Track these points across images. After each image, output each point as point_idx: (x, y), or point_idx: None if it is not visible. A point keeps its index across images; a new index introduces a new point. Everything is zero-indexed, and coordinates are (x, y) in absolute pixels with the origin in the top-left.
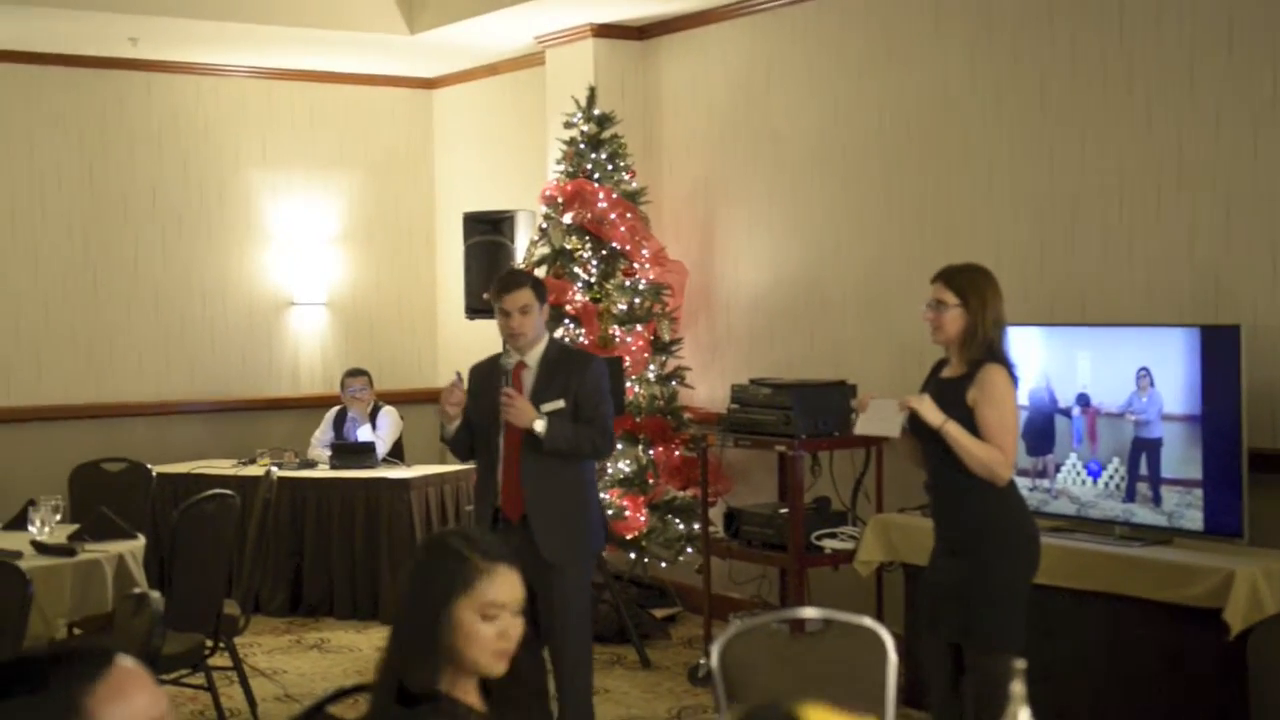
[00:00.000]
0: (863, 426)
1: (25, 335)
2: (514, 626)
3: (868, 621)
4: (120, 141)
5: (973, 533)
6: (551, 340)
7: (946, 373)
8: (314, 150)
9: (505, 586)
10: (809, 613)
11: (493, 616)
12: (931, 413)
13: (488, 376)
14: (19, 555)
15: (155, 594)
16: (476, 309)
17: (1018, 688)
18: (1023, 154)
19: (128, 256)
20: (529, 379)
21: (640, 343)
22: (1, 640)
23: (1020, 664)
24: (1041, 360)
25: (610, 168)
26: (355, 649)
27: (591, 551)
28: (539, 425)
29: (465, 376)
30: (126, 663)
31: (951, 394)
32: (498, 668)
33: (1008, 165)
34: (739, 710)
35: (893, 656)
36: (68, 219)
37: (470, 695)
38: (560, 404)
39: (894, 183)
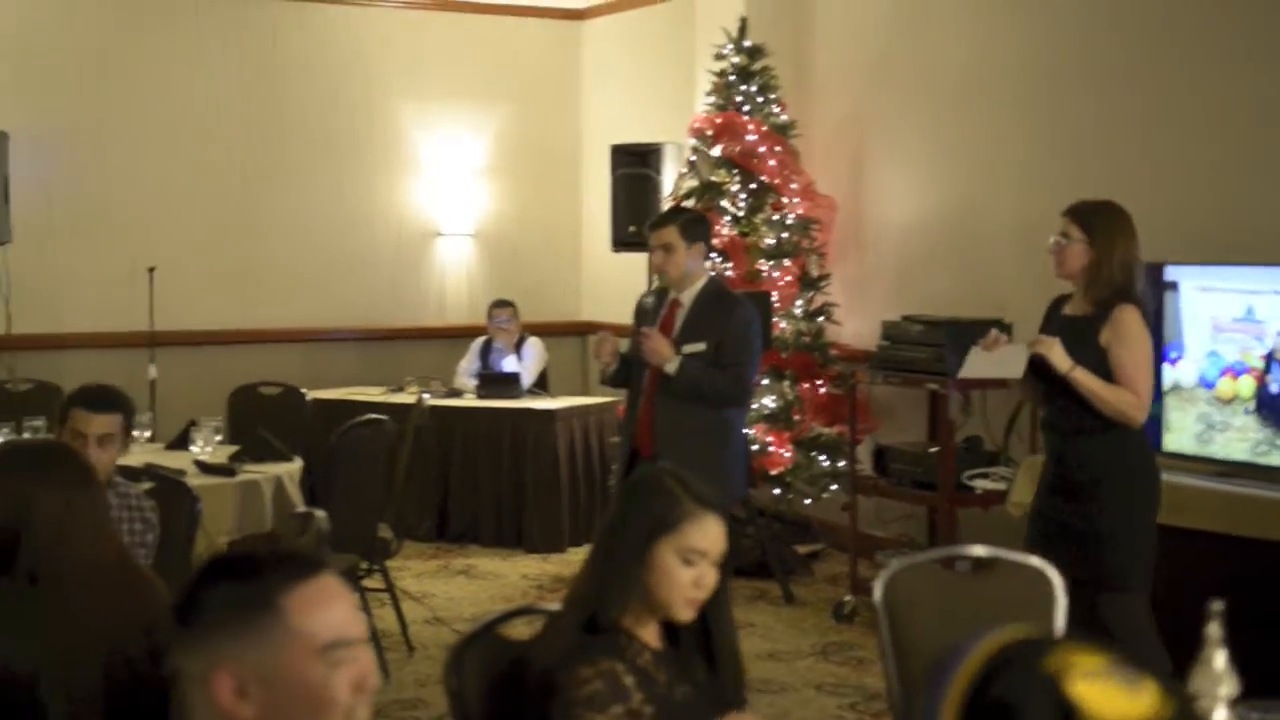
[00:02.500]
0: (979, 369)
1: (184, 262)
2: (710, 576)
3: (1035, 561)
4: (274, 72)
5: (1095, 476)
6: (710, 280)
7: (1069, 310)
8: (462, 81)
9: (710, 535)
10: (978, 550)
11: (692, 562)
12: (1060, 358)
13: (651, 308)
14: (183, 474)
15: (320, 513)
16: (623, 241)
17: (1214, 630)
18: (1197, 76)
19: (280, 186)
20: (681, 317)
21: (788, 278)
22: (170, 555)
23: (1218, 606)
24: (1212, 303)
25: (760, 100)
26: (501, 576)
27: (726, 497)
28: (670, 365)
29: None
30: (332, 576)
31: (1080, 333)
32: (686, 614)
33: (1179, 90)
34: (992, 644)
35: (1062, 598)
36: (225, 149)
37: (650, 634)
38: (701, 347)
39: (1053, 112)
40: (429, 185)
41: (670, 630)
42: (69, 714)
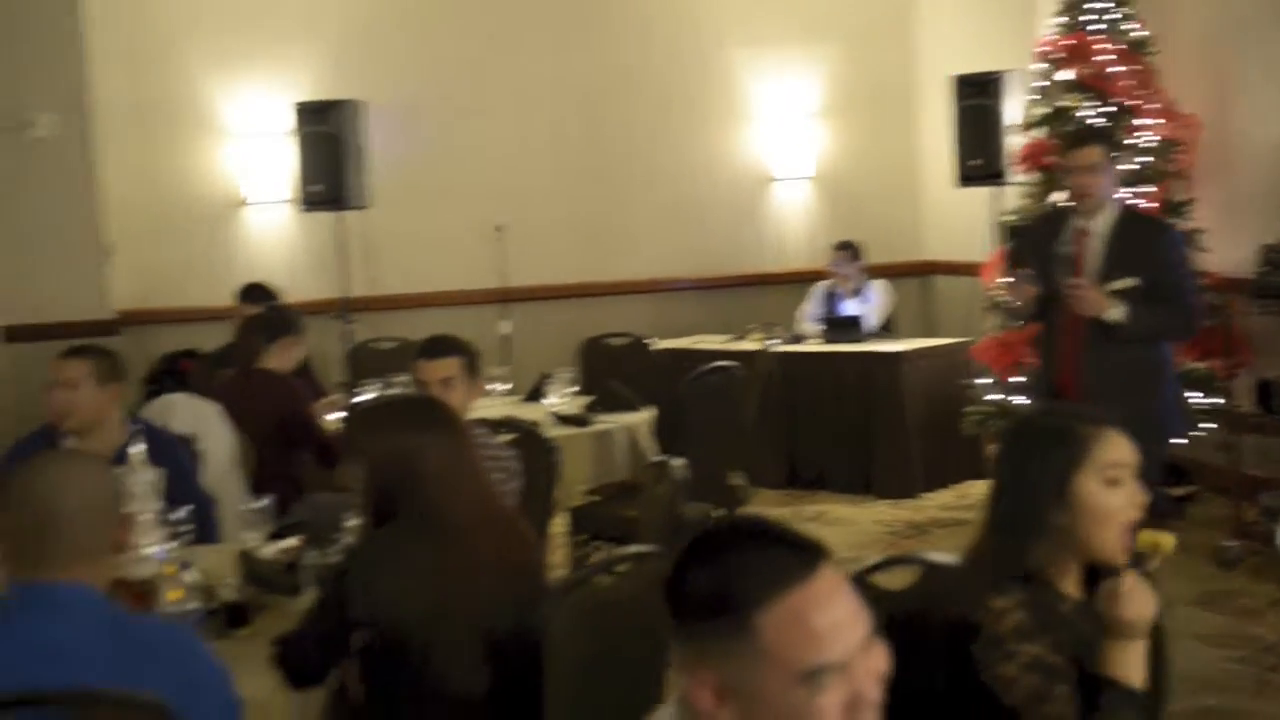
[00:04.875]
0: None
1: (531, 219)
2: (1139, 491)
3: None
4: (613, 27)
5: None
6: (1123, 206)
7: None
8: (793, 23)
9: (1121, 445)
10: None
11: (1118, 480)
12: None
13: (1040, 238)
14: (538, 425)
15: (678, 461)
16: (968, 176)
17: None
18: None
19: (621, 141)
20: (1096, 246)
21: (1149, 205)
22: (532, 505)
23: None
24: None
25: (1114, 16)
26: (853, 522)
27: (1163, 441)
28: (1114, 313)
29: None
30: (823, 576)
31: None
32: (1120, 552)
33: None
34: None
35: None
36: (567, 107)
37: (1070, 584)
38: (1132, 281)
39: None
40: (764, 131)
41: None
42: (448, 655)
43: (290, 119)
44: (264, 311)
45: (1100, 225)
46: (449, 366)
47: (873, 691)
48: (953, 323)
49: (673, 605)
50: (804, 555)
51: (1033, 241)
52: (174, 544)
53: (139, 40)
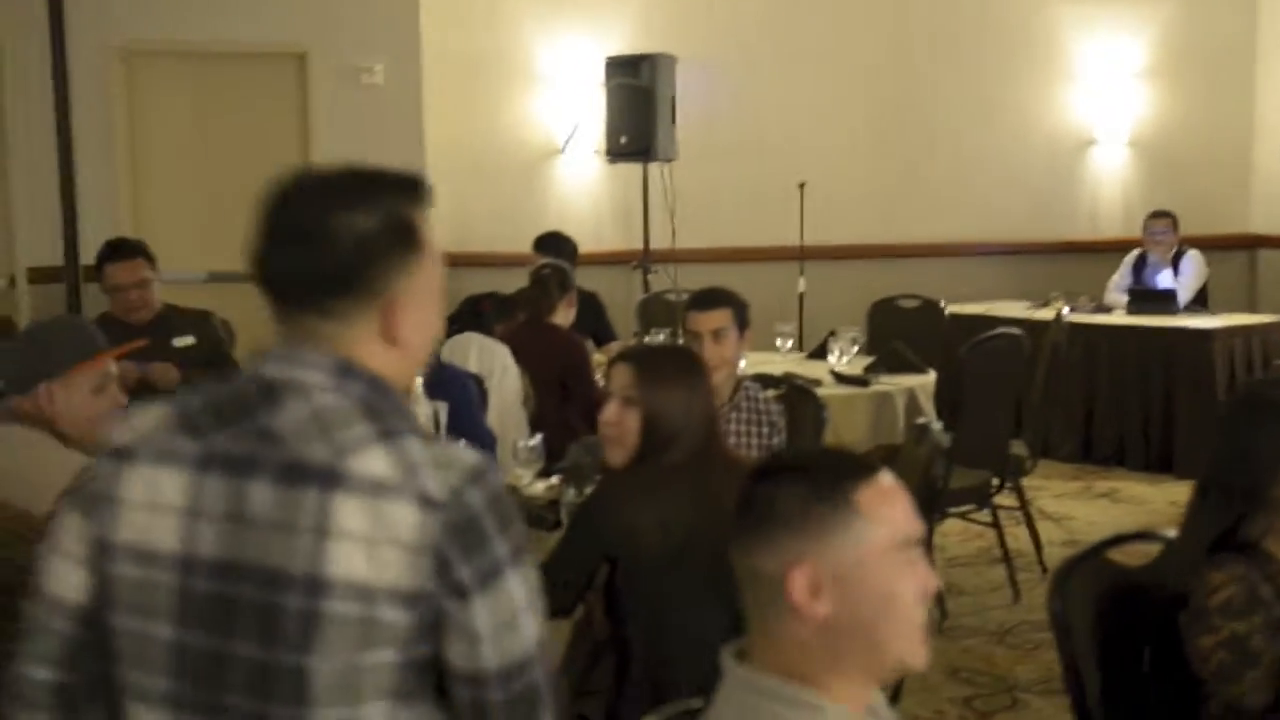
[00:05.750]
0: None
1: (833, 177)
2: None
3: None
4: None
5: None
6: None
7: None
8: None
9: None
10: None
11: None
12: None
13: None
14: (818, 383)
15: (937, 425)
16: None
17: None
18: None
19: (928, 99)
20: None
21: None
22: None
23: None
24: None
25: None
26: (1146, 501)
27: None
28: None
29: None
30: (889, 476)
31: None
32: None
33: None
34: None
35: None
36: (875, 64)
37: None
38: None
39: None
40: (1084, 91)
41: None
42: (685, 595)
43: (601, 72)
44: (559, 266)
45: None
46: (721, 318)
47: (933, 587)
48: (1278, 300)
49: (759, 514)
50: (867, 461)
51: None
52: None
53: None
